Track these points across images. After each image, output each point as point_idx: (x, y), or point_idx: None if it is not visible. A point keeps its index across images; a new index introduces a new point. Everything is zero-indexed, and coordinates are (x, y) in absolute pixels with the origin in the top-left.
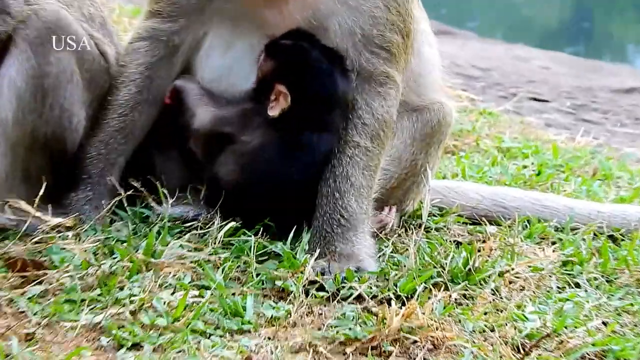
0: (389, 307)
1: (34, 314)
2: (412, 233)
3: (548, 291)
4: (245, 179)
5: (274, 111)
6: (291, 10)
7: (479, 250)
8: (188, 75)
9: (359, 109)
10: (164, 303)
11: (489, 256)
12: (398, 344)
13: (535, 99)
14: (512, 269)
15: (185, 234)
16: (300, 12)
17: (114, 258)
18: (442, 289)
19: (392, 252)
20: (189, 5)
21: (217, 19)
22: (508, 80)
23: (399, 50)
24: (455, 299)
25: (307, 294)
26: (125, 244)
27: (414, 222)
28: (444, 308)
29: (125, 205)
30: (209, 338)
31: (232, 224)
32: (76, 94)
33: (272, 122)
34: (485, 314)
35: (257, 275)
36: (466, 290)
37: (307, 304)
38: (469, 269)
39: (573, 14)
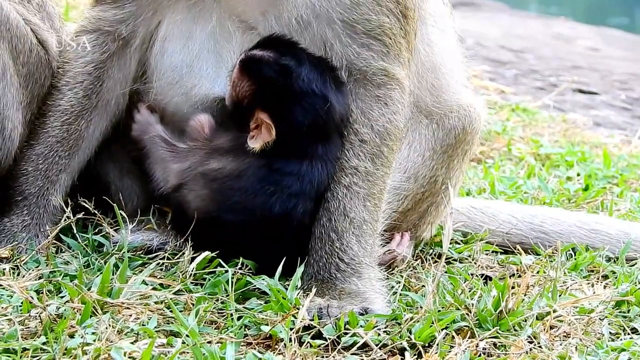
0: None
1: None
2: (430, 266)
3: (598, 338)
4: (216, 207)
5: (255, 143)
6: None
7: (512, 287)
8: (144, 107)
9: (354, 122)
10: (125, 354)
11: (525, 294)
12: None
13: (581, 91)
14: (554, 311)
15: (148, 267)
16: None
17: (62, 297)
18: (468, 336)
19: (405, 290)
20: None
21: (170, 2)
22: (547, 66)
23: (394, 37)
24: (484, 349)
25: (300, 342)
26: (75, 280)
27: (432, 251)
28: None
29: (75, 231)
30: None
31: (206, 253)
32: (10, 93)
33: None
34: None
35: (239, 318)
36: (497, 337)
37: (300, 355)
38: (501, 311)
39: None
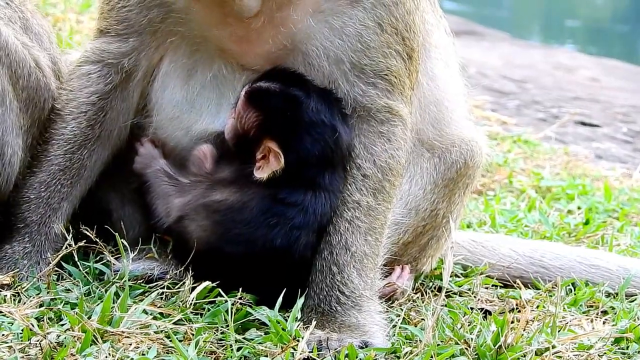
0: None
1: None
2: (430, 299)
3: None
4: (217, 238)
5: (262, 173)
6: (259, 31)
7: (512, 322)
8: (148, 141)
9: (357, 157)
10: None
11: (524, 329)
12: None
13: (582, 123)
14: (553, 347)
15: (149, 296)
16: (271, 33)
17: (62, 325)
18: None
19: (404, 323)
20: (139, 23)
21: (173, 41)
22: (548, 97)
23: (400, 76)
24: None
25: None
26: (75, 309)
27: (432, 284)
28: None
29: (76, 259)
30: None
31: (207, 283)
32: (9, 119)
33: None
34: None
35: (238, 349)
36: None
37: None
38: (500, 346)
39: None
